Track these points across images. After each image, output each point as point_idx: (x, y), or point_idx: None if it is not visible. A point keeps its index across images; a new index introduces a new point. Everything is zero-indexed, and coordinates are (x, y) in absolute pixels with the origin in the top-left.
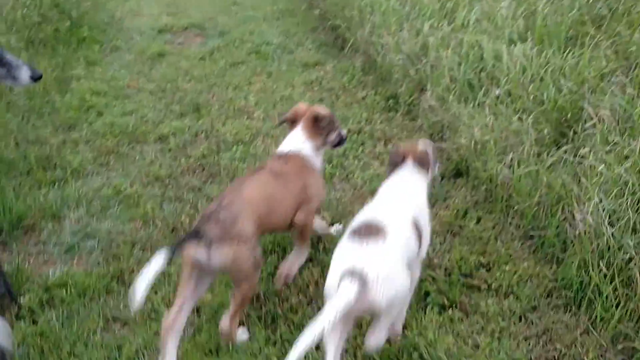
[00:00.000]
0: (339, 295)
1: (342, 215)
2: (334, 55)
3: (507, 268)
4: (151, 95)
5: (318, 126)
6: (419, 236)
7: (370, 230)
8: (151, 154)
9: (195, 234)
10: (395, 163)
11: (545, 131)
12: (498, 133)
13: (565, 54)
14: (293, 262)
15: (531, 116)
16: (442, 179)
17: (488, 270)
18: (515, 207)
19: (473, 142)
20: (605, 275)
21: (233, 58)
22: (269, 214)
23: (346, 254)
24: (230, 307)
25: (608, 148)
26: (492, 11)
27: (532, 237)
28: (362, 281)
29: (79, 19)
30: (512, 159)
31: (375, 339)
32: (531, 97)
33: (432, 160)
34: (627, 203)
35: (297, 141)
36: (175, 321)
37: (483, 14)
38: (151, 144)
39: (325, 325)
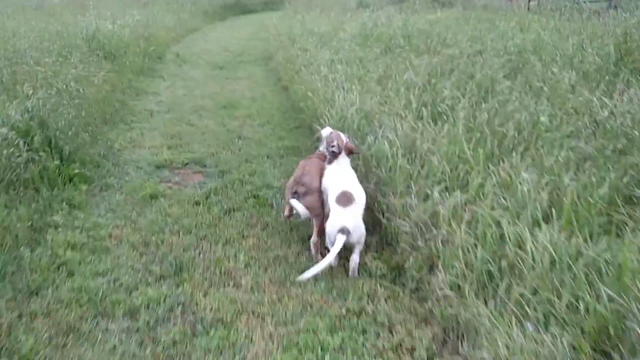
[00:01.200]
0: (337, 242)
1: None
2: None
3: None
4: (132, 250)
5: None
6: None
7: (347, 199)
8: (115, 336)
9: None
10: (334, 154)
11: (585, 354)
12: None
13: (598, 242)
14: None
15: (566, 331)
16: None
17: None
18: None
19: None
20: None
21: (229, 203)
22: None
23: (338, 216)
24: (314, 232)
25: None
26: (509, 181)
27: None
28: (347, 232)
29: (71, 154)
30: None
31: (354, 263)
32: (564, 303)
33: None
34: None
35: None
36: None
37: (500, 184)
38: (118, 321)
39: (332, 258)
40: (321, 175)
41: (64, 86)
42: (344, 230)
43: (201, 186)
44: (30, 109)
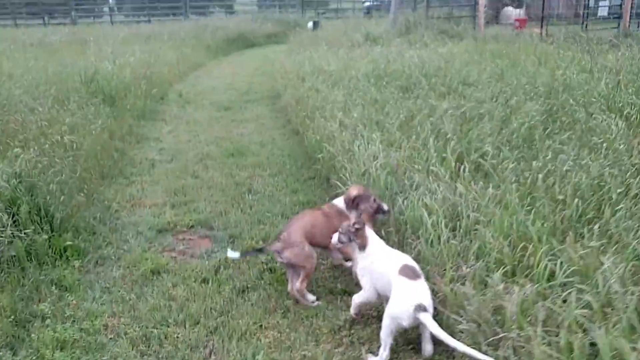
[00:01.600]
0: (429, 322)
1: None
2: None
3: None
4: (132, 347)
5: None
6: None
7: (413, 271)
8: None
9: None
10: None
11: None
12: None
13: None
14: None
15: None
16: None
17: None
18: None
19: None
20: None
21: (242, 279)
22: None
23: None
24: (299, 280)
25: None
26: (586, 267)
27: None
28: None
29: (63, 222)
30: None
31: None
32: None
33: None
34: None
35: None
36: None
37: (576, 271)
38: None
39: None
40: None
41: (59, 138)
42: (421, 308)
43: (209, 256)
44: (18, 173)
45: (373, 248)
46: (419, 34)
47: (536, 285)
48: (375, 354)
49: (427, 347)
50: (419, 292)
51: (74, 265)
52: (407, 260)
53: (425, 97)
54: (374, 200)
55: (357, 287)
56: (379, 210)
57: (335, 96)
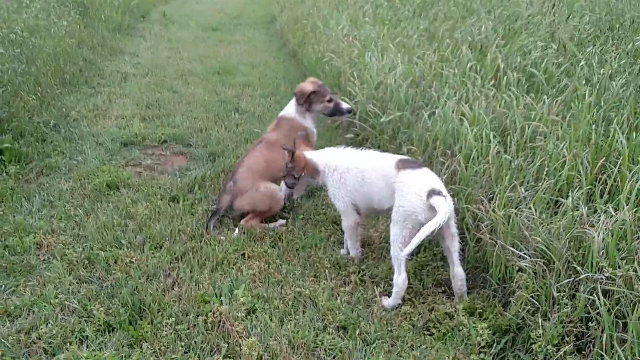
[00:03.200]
0: (440, 206)
1: None
2: None
3: None
4: (68, 273)
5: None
6: None
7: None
8: None
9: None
10: None
11: None
12: None
13: None
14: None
15: None
16: None
17: None
18: None
19: None
20: None
21: None
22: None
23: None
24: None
25: None
26: None
27: None
28: (440, 194)
29: (2, 122)
30: None
31: (460, 279)
32: None
33: None
34: None
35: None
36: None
37: None
38: None
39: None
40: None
41: (13, 36)
42: (434, 192)
43: (183, 173)
44: None
45: (333, 163)
46: None
47: (634, 209)
48: (389, 295)
49: (457, 271)
50: (427, 177)
51: (8, 172)
52: (400, 156)
53: (449, 14)
54: (330, 99)
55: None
56: (336, 111)
57: (341, 14)
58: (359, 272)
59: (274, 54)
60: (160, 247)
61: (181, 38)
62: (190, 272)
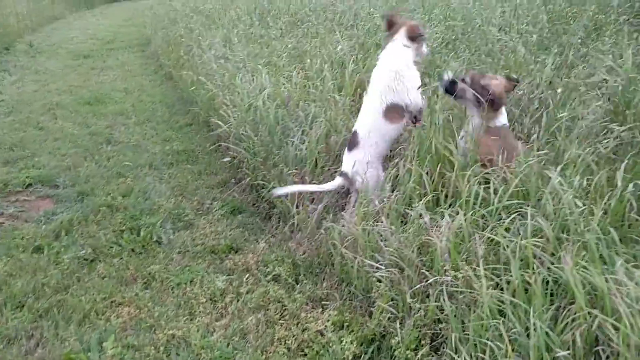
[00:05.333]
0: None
1: None
2: (258, 229)
3: None
4: None
5: None
6: None
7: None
8: None
9: None
10: None
11: None
12: None
13: None
14: None
15: None
16: None
17: None
18: None
19: None
20: None
21: (92, 245)
22: None
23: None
24: None
25: None
26: (529, 184)
27: None
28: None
29: None
30: None
31: None
32: None
33: None
34: None
35: None
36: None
37: (517, 193)
38: None
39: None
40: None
41: None
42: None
43: (49, 219)
44: None
45: None
46: None
47: (470, 213)
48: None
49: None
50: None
51: None
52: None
53: (315, 31)
54: None
55: (247, 242)
56: None
57: (214, 35)
58: (237, 301)
59: (150, 77)
60: (22, 306)
61: (50, 69)
62: (55, 329)
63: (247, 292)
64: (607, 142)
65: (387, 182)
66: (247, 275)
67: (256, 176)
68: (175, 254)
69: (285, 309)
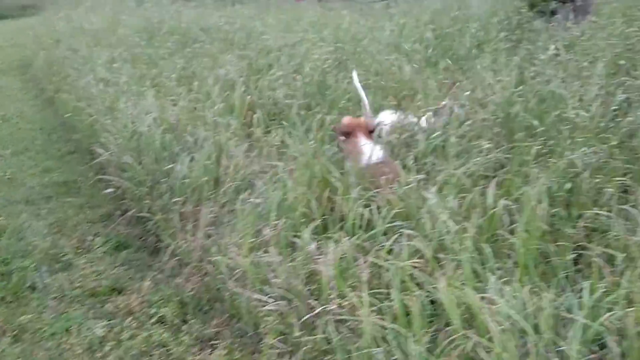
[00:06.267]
0: None
1: None
2: (145, 265)
3: None
4: None
5: None
6: None
7: None
8: None
9: None
10: None
11: None
12: None
13: None
14: None
15: None
16: None
17: None
18: None
19: None
20: None
21: None
22: None
23: None
24: None
25: None
26: (411, 206)
27: None
28: None
29: None
30: None
31: None
32: None
33: None
34: None
35: None
36: None
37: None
38: None
39: None
40: None
41: None
42: None
43: None
44: None
45: None
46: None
47: (354, 238)
48: None
49: None
50: None
51: None
52: None
53: (206, 50)
54: None
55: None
56: None
57: (99, 56)
58: (118, 349)
59: (31, 102)
60: None
61: None
62: None
63: (129, 338)
64: (477, 160)
65: (272, 209)
66: (130, 319)
67: (142, 207)
68: (50, 300)
69: (170, 354)
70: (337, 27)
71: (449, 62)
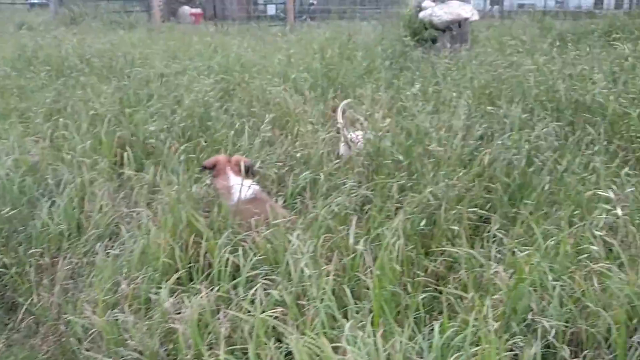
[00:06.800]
0: None
1: None
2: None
3: None
4: None
5: None
6: None
7: None
8: None
9: None
10: None
11: None
12: None
13: None
14: None
15: None
16: None
17: None
18: None
19: None
20: None
21: None
22: None
23: None
24: None
25: None
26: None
27: None
28: None
29: None
30: None
31: None
32: None
33: None
34: None
35: None
36: None
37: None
38: None
39: None
40: None
41: None
42: None
43: None
44: None
45: None
46: (86, 24)
47: (216, 289)
48: None
49: None
50: None
51: None
52: None
53: (84, 81)
54: None
55: None
56: None
57: None
58: None
59: None
60: None
61: None
62: None
63: None
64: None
65: (134, 260)
66: None
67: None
68: None
69: None
70: (227, 55)
71: (336, 91)
